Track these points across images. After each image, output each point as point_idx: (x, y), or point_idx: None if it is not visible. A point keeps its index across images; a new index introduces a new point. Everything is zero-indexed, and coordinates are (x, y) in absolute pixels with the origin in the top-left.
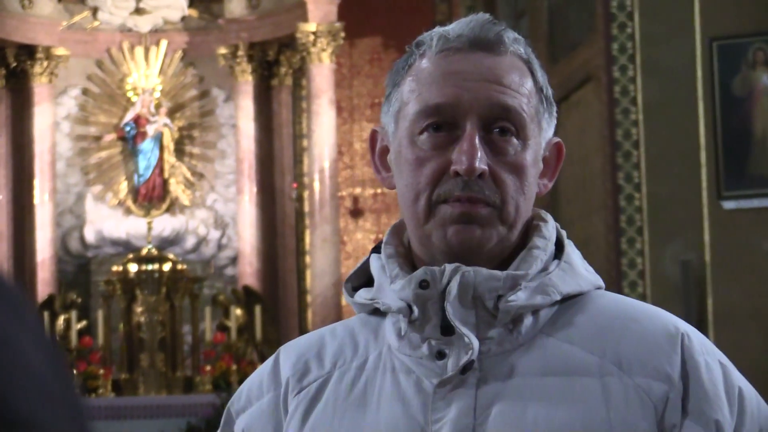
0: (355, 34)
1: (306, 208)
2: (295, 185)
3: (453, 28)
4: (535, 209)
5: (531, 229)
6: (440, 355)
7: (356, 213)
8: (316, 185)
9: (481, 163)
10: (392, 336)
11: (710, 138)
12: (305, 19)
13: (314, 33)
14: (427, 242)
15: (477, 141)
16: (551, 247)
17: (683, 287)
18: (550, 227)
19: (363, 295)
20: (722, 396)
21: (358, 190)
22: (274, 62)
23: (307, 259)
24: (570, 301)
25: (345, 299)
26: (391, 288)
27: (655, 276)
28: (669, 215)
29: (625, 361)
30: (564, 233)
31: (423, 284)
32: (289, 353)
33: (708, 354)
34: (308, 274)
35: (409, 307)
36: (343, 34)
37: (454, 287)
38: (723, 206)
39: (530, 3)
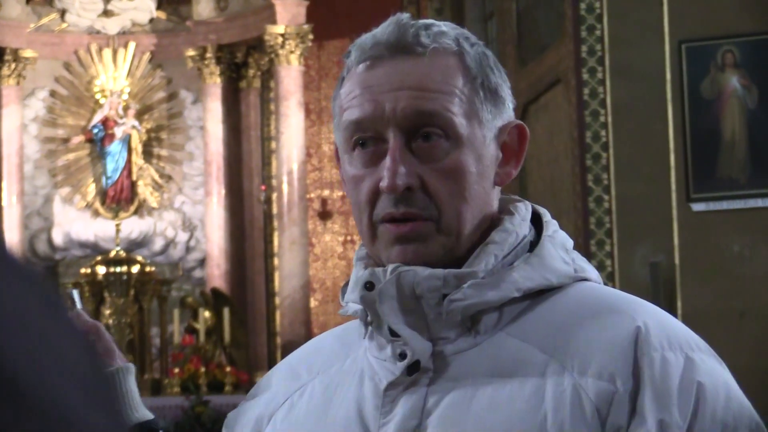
0: (323, 36)
1: (274, 210)
2: (263, 187)
3: (373, 34)
4: (508, 199)
5: (495, 222)
6: (402, 357)
7: (325, 215)
8: (285, 187)
9: (403, 178)
10: (366, 338)
11: (679, 140)
12: (273, 21)
13: (282, 35)
14: (378, 260)
15: (398, 155)
16: (513, 241)
17: (652, 289)
18: (517, 220)
19: (345, 300)
20: (673, 393)
21: (326, 192)
22: (243, 64)
23: (276, 261)
24: (542, 296)
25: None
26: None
27: (625, 278)
28: (638, 217)
29: (570, 360)
30: (550, 224)
31: (368, 286)
32: (288, 363)
33: (670, 348)
34: (276, 276)
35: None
36: (311, 36)
37: (387, 287)
38: (692, 208)
39: (499, 5)
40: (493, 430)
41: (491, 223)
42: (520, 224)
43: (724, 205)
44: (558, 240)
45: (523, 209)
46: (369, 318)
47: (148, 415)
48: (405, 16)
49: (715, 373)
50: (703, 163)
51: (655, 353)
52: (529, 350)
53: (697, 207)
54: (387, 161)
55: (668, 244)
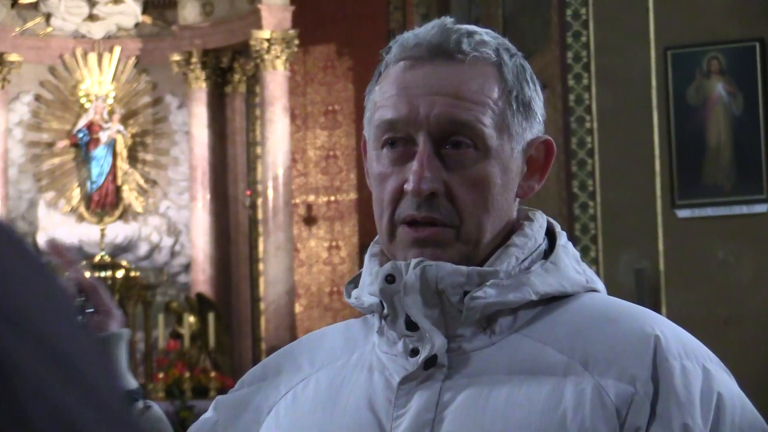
0: (309, 41)
1: (259, 216)
2: (248, 192)
3: (416, 33)
4: (525, 209)
5: (514, 228)
6: (414, 353)
7: (310, 220)
8: (270, 193)
9: (429, 183)
10: (375, 334)
11: (664, 146)
12: (259, 26)
13: (268, 40)
14: (393, 259)
15: (426, 160)
16: (532, 245)
17: (637, 295)
18: (536, 227)
19: (354, 295)
20: (696, 401)
21: (311, 198)
22: (228, 69)
23: (261, 266)
24: (555, 302)
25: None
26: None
27: (609, 284)
28: (623, 223)
29: (591, 361)
30: (562, 234)
31: (389, 278)
32: (287, 354)
33: (687, 358)
34: (261, 281)
35: (382, 303)
36: (297, 42)
37: (411, 278)
38: (677, 214)
39: (485, 11)
40: (511, 425)
41: (511, 229)
42: (538, 231)
43: (709, 211)
44: (570, 251)
45: (540, 218)
46: (385, 312)
47: (133, 384)
48: (449, 20)
49: (729, 385)
50: (689, 169)
51: (675, 362)
52: (548, 351)
53: (682, 213)
54: (414, 165)
55: (653, 250)
